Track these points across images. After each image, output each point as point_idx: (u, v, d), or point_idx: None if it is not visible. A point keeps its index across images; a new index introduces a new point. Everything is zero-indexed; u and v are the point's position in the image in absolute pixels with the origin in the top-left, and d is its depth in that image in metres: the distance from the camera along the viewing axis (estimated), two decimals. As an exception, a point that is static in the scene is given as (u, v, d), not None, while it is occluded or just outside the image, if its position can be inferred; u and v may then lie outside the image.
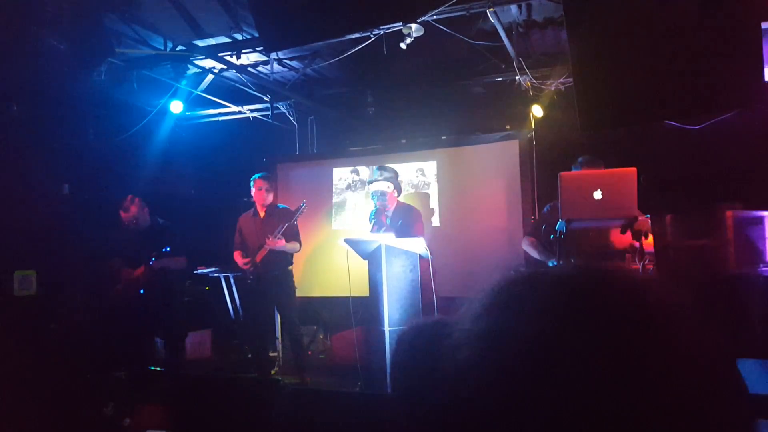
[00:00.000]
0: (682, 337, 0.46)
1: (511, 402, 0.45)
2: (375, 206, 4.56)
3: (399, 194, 4.69)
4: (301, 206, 4.86)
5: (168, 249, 4.63)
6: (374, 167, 4.76)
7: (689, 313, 0.48)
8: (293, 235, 4.89)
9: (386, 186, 4.50)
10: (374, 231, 4.38)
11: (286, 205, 5.09)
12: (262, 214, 4.96)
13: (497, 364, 0.47)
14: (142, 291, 4.62)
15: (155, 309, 4.67)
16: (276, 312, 5.42)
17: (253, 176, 5.00)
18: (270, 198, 4.94)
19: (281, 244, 4.72)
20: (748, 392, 0.48)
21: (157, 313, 4.70)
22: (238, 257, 4.95)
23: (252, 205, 5.13)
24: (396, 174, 4.72)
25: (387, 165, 4.88)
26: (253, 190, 4.95)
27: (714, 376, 0.45)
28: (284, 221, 4.80)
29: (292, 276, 5.02)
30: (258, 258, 4.76)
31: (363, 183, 6.44)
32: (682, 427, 0.42)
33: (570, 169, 3.93)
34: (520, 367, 0.45)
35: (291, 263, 5.00)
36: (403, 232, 4.23)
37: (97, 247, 4.45)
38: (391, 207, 4.53)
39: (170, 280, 4.80)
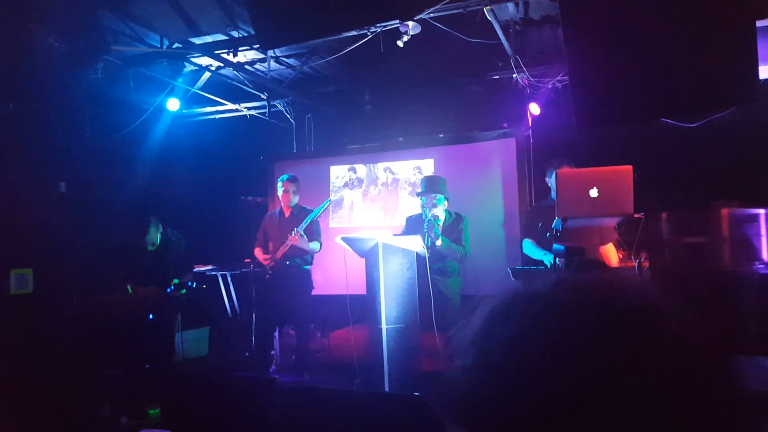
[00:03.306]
0: (676, 339, 0.47)
1: None
2: (426, 218, 4.24)
3: (449, 202, 4.46)
4: (325, 203, 4.98)
5: (194, 284, 4.61)
6: (422, 178, 4.55)
7: (682, 316, 0.48)
8: (315, 234, 4.97)
9: (438, 198, 4.29)
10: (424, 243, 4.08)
11: (310, 207, 5.14)
12: (287, 213, 5.07)
13: (490, 397, 0.48)
14: (150, 316, 4.49)
15: (153, 328, 4.61)
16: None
17: (281, 177, 5.13)
18: (296, 199, 5.06)
19: (303, 241, 4.78)
20: (745, 391, 0.48)
21: (154, 331, 4.63)
22: (258, 253, 5.05)
23: (249, 203, 5.17)
24: (445, 182, 4.45)
25: (435, 175, 4.69)
26: (280, 191, 5.07)
27: (709, 377, 0.46)
28: (307, 217, 4.90)
29: (310, 275, 5.08)
30: (279, 254, 4.84)
31: (360, 181, 6.44)
32: (679, 427, 0.43)
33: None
34: (513, 397, 0.46)
35: (310, 263, 5.05)
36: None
37: (94, 246, 4.43)
38: (442, 218, 4.33)
39: (176, 302, 4.78)
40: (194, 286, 4.62)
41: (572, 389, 0.43)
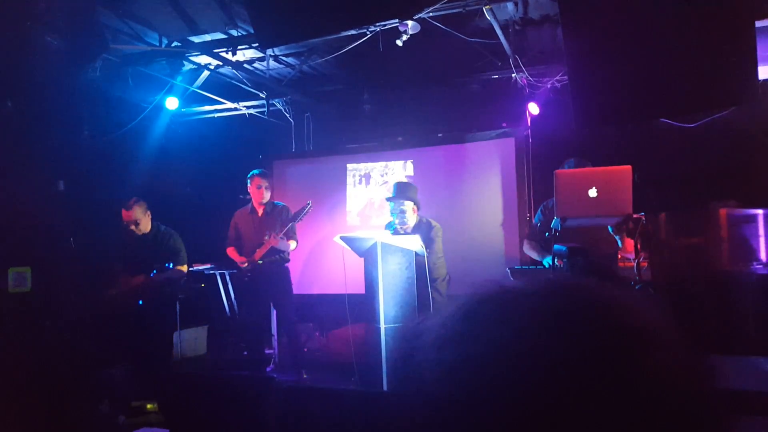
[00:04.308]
0: (656, 355, 0.45)
1: None
2: (394, 222, 4.38)
3: (419, 209, 4.53)
4: (306, 206, 4.81)
5: (171, 265, 4.60)
6: (394, 183, 4.66)
7: (664, 331, 0.47)
8: (291, 234, 4.90)
9: (406, 205, 4.34)
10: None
11: (283, 203, 5.08)
12: (260, 211, 4.93)
13: (464, 398, 0.45)
14: (141, 302, 4.51)
15: (150, 320, 4.59)
16: (272, 309, 5.43)
17: (251, 173, 4.96)
18: (268, 195, 4.91)
19: (282, 243, 4.73)
20: (720, 391, 0.48)
21: (151, 325, 4.63)
22: (233, 254, 4.93)
23: (247, 201, 5.12)
24: (416, 190, 4.55)
25: (407, 182, 4.77)
26: (250, 187, 4.92)
27: (683, 376, 0.45)
28: (285, 219, 4.81)
29: (289, 273, 5.02)
30: (257, 256, 4.75)
31: (359, 179, 6.44)
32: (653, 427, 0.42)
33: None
34: (488, 402, 0.44)
35: (288, 260, 5.00)
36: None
37: (92, 245, 4.42)
38: (411, 224, 4.37)
39: (168, 291, 4.76)
40: (170, 267, 4.60)
41: (559, 396, 0.42)
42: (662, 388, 0.43)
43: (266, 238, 4.67)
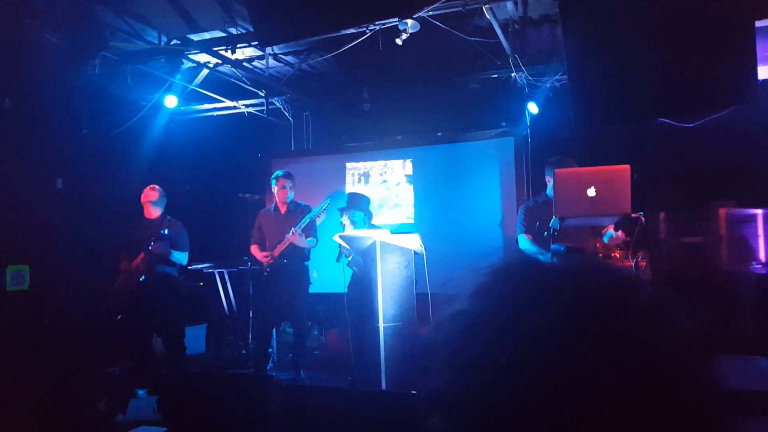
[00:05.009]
0: (664, 332, 0.47)
1: (486, 390, 0.46)
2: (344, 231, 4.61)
3: (370, 219, 4.75)
4: (324, 203, 4.92)
5: (166, 231, 4.63)
6: (347, 193, 4.84)
7: (673, 310, 0.49)
8: (312, 231, 4.96)
9: (356, 216, 4.58)
10: (338, 259, 4.55)
11: (305, 203, 5.12)
12: (283, 210, 5.03)
13: (476, 350, 0.47)
14: (143, 277, 4.59)
15: (156, 300, 4.62)
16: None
17: (275, 173, 5.08)
18: (291, 195, 5.02)
19: (301, 240, 4.78)
20: (722, 389, 0.49)
21: (157, 306, 4.65)
22: (256, 251, 5.01)
23: (247, 200, 5.13)
24: (368, 202, 4.79)
25: (360, 193, 4.95)
26: (275, 188, 5.02)
27: (689, 374, 0.46)
28: (306, 216, 4.88)
29: (308, 271, 5.06)
30: (276, 252, 4.81)
31: (358, 178, 6.43)
32: (657, 421, 0.43)
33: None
34: (500, 355, 0.46)
35: (308, 258, 5.04)
36: None
37: (92, 243, 4.42)
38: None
39: (170, 272, 4.77)
40: (166, 233, 4.62)
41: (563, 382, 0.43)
42: (681, 386, 0.45)
43: (287, 235, 4.73)
